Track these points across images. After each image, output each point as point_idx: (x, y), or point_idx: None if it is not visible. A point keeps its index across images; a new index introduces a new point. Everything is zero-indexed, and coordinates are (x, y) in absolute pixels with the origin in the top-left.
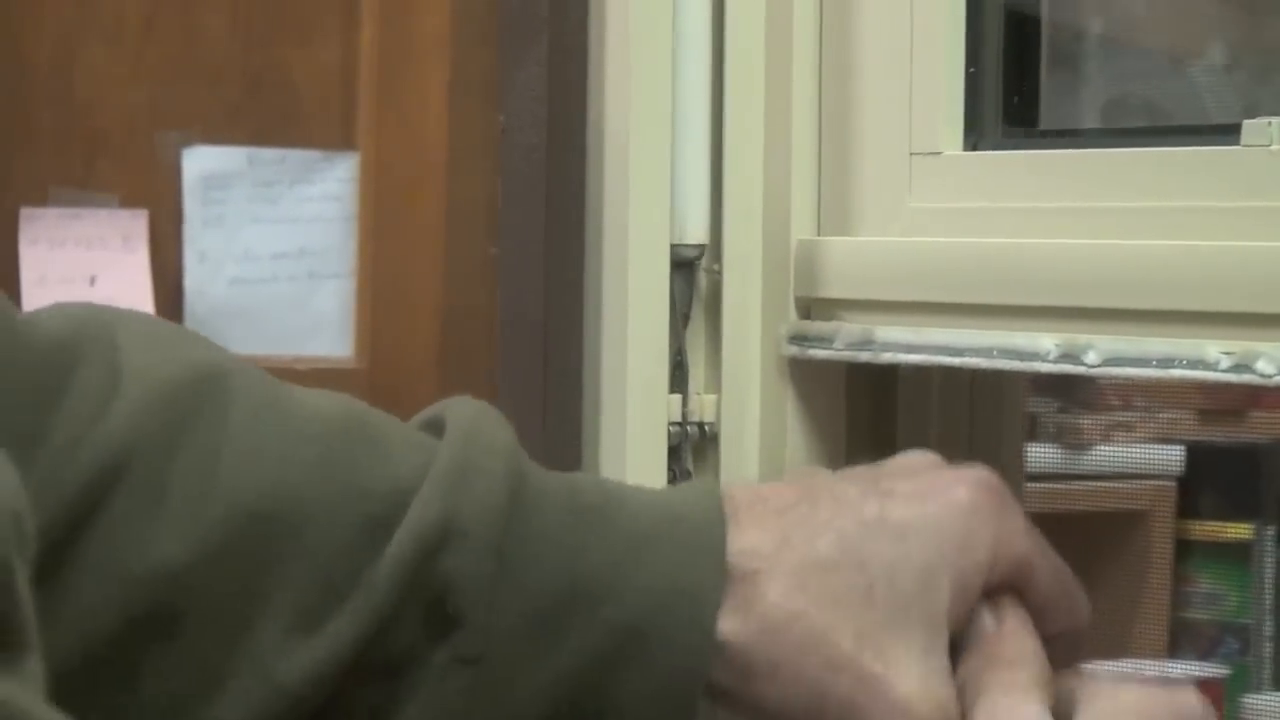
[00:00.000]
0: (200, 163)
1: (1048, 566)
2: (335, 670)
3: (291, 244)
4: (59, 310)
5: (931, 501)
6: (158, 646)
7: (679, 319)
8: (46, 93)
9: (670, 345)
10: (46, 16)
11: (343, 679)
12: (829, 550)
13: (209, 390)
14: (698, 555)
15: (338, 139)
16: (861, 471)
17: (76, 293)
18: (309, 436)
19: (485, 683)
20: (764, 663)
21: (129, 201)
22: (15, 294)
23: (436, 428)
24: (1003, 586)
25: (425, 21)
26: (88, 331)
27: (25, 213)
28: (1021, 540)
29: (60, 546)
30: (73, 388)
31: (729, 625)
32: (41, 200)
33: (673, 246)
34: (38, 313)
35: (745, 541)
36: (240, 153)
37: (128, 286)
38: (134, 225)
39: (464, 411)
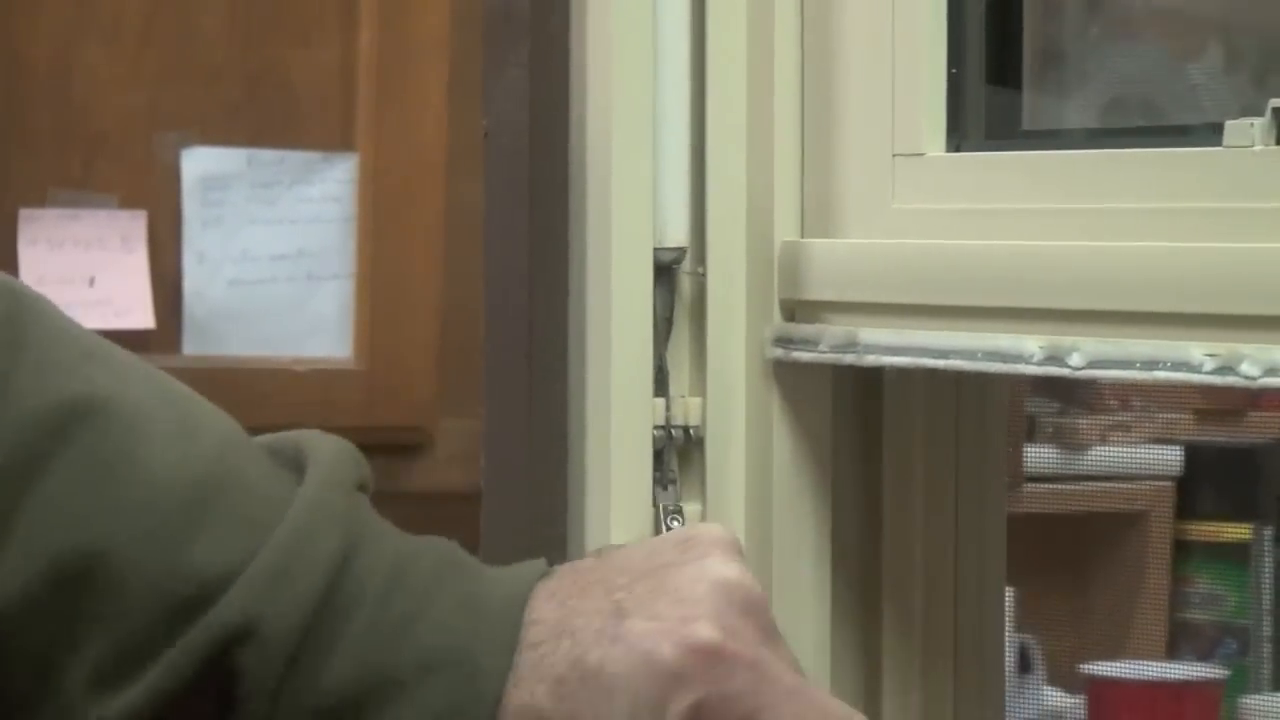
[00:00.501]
0: (199, 164)
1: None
2: None
3: (290, 245)
4: None
5: (640, 658)
6: None
7: (662, 322)
8: (45, 94)
9: (654, 349)
10: (45, 18)
11: None
12: (545, 701)
13: (72, 432)
14: (470, 694)
15: (336, 140)
16: (643, 584)
17: (76, 293)
18: (149, 501)
19: None
20: None
21: (128, 202)
22: None
23: (296, 464)
24: None
25: (423, 23)
26: None
27: (24, 214)
28: (733, 706)
29: None
30: None
31: None
32: (40, 201)
33: (655, 250)
34: None
35: (508, 700)
36: (239, 154)
37: (126, 287)
38: (133, 226)
39: (318, 472)
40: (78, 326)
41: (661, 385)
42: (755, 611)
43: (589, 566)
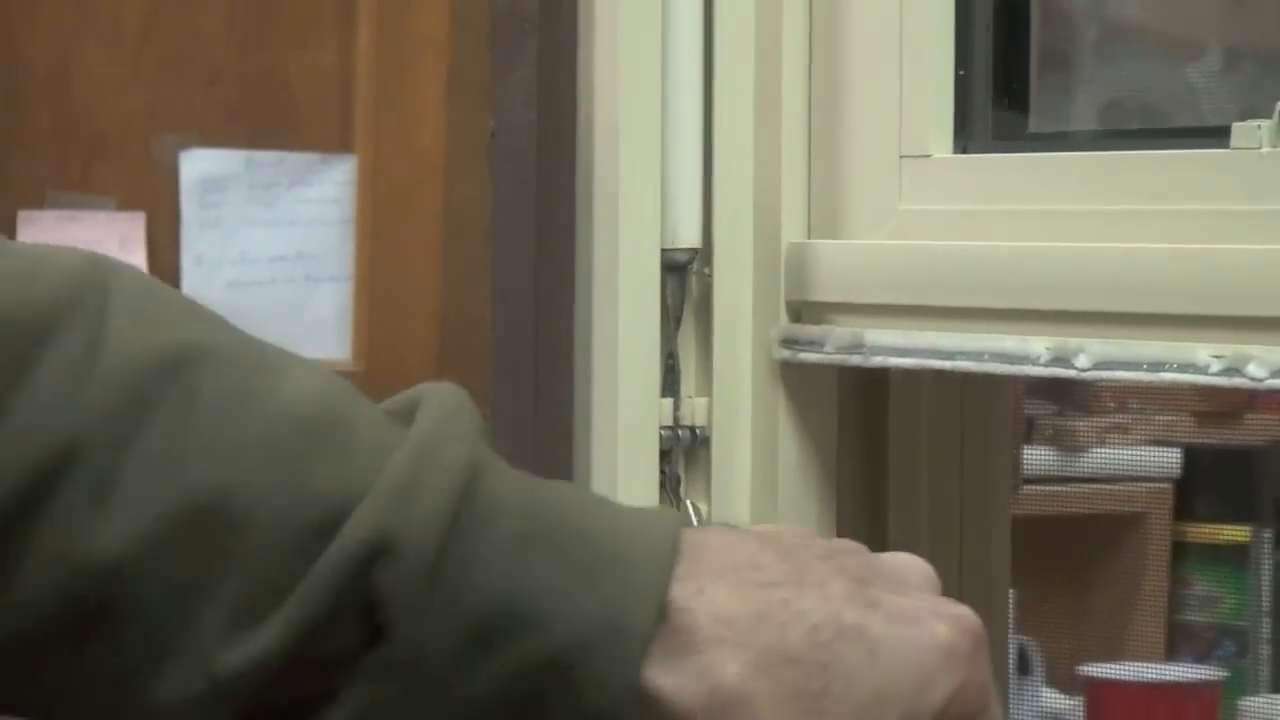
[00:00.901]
0: (197, 165)
1: None
2: (270, 667)
3: (289, 247)
4: (56, 262)
5: (911, 629)
6: (97, 633)
7: (670, 323)
8: (44, 95)
9: (661, 349)
10: (44, 19)
11: (278, 675)
12: (799, 644)
13: (178, 378)
14: (633, 596)
15: (335, 142)
16: (853, 564)
17: None
18: (266, 435)
19: (414, 692)
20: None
21: (126, 204)
22: None
23: (409, 417)
24: None
25: (422, 24)
26: (79, 294)
27: (23, 215)
28: (981, 696)
29: (4, 529)
30: (45, 360)
31: (665, 679)
32: (39, 203)
33: (663, 250)
34: (35, 261)
35: (716, 604)
36: (237, 155)
37: None
38: (131, 228)
39: (433, 411)
40: (168, 287)
41: (669, 385)
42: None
43: (752, 531)
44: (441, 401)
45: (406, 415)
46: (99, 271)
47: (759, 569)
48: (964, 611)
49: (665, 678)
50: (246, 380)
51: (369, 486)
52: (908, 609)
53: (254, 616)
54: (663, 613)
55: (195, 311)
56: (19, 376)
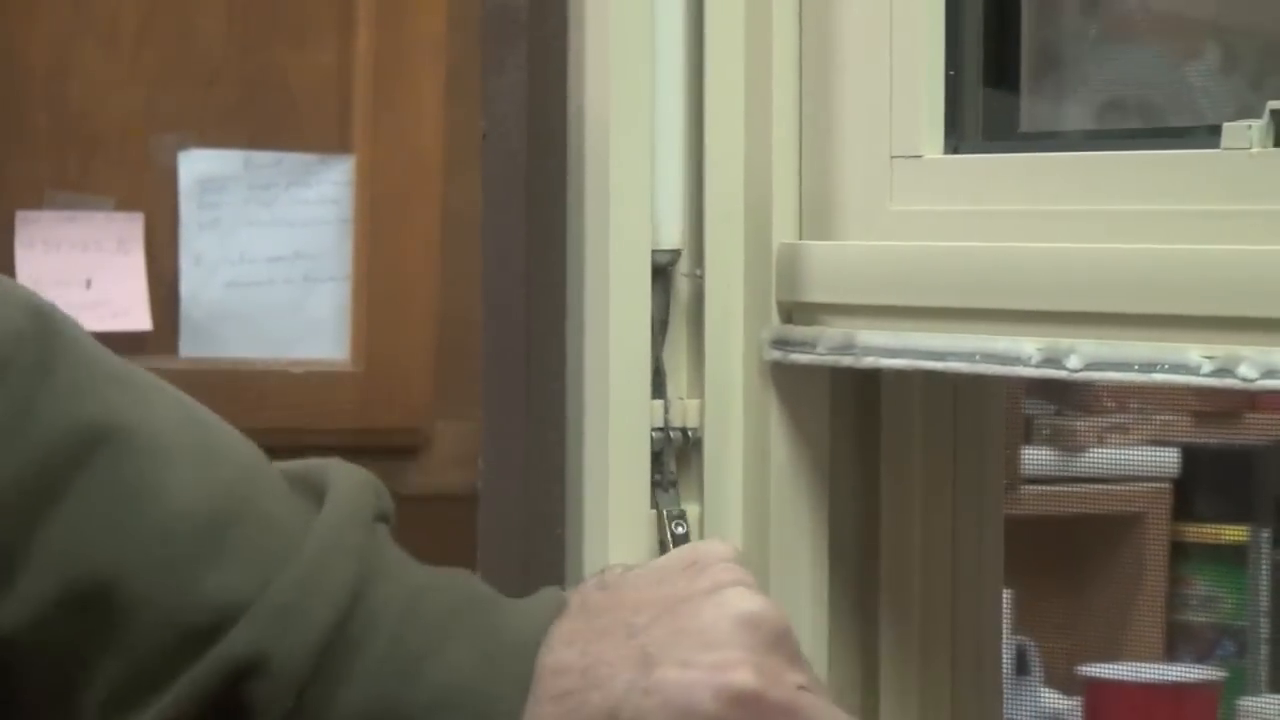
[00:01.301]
0: (196, 166)
1: None
2: None
3: (287, 247)
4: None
5: (675, 707)
6: None
7: (658, 324)
8: (42, 96)
9: (652, 350)
10: (42, 20)
11: None
12: None
13: (91, 462)
14: None
15: (333, 142)
16: (658, 635)
17: (73, 295)
18: (161, 532)
19: None
20: None
21: (125, 204)
22: None
23: (312, 494)
24: None
25: (420, 25)
26: (14, 353)
27: (21, 216)
28: None
29: None
30: None
31: None
32: (37, 203)
33: (654, 251)
34: None
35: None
36: (236, 156)
37: (123, 289)
38: (130, 228)
39: (330, 512)
40: (106, 351)
41: (659, 387)
42: (783, 644)
43: (601, 602)
44: (343, 495)
45: (311, 491)
46: (40, 326)
47: (564, 674)
48: (739, 679)
49: None
50: (158, 467)
51: (253, 599)
52: (680, 685)
53: (129, 704)
54: None
55: (128, 381)
56: None
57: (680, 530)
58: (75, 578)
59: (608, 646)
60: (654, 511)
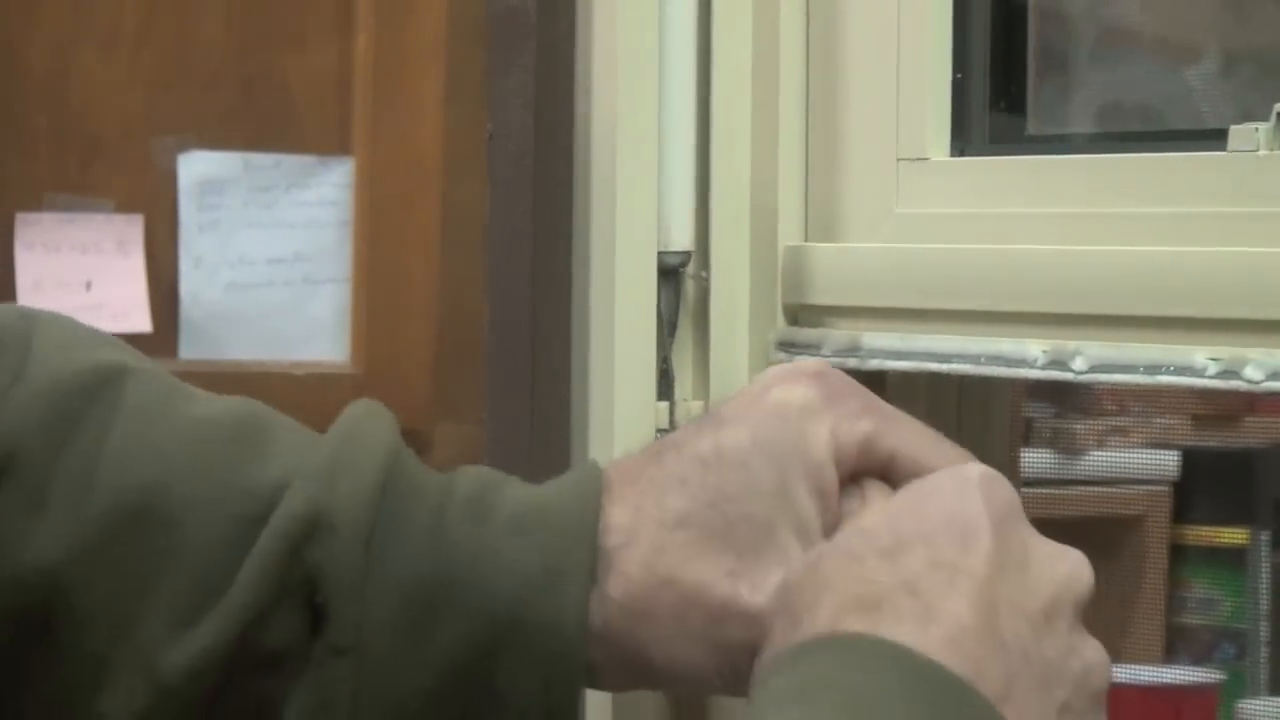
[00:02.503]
0: (196, 167)
1: (899, 433)
2: (216, 664)
3: (287, 249)
4: None
5: (758, 418)
6: (41, 645)
7: (666, 326)
8: (42, 98)
9: (657, 352)
10: (42, 22)
11: (226, 672)
12: (678, 504)
13: (102, 391)
14: (567, 540)
15: (333, 144)
16: (715, 408)
17: (73, 297)
18: (192, 437)
19: (364, 673)
20: (645, 637)
21: (124, 206)
22: (11, 298)
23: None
24: (869, 468)
25: (420, 27)
26: (2, 337)
27: (21, 218)
28: (856, 424)
29: None
30: None
31: (603, 607)
32: (37, 205)
33: (660, 253)
34: None
35: (610, 519)
36: (236, 158)
37: (123, 291)
38: (129, 230)
39: (352, 412)
40: (88, 325)
41: (665, 389)
42: (829, 368)
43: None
44: (358, 407)
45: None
46: (23, 318)
47: (629, 469)
48: (801, 365)
49: (595, 607)
50: (167, 393)
51: (297, 474)
52: (746, 403)
53: (194, 613)
54: (598, 546)
55: (113, 341)
56: None
57: None
58: (113, 492)
59: (671, 437)
60: None
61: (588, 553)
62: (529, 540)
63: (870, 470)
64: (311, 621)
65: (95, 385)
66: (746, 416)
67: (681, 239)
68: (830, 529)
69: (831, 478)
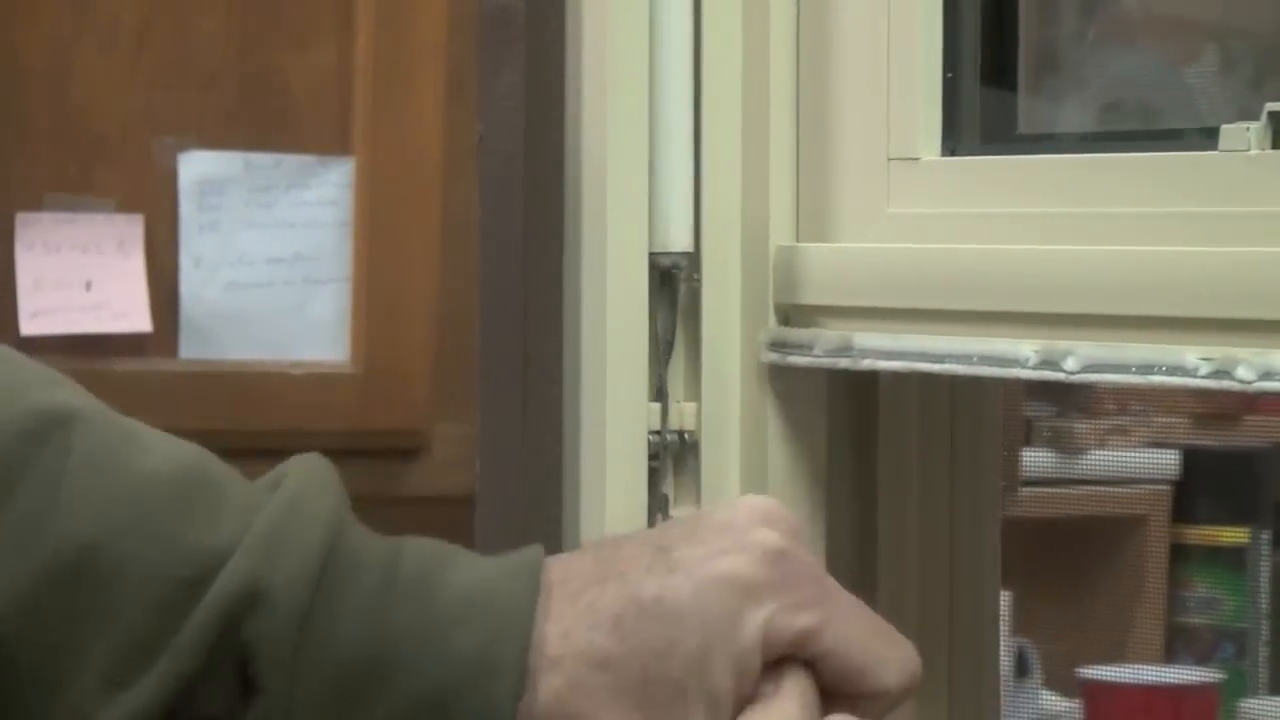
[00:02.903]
0: (196, 167)
1: (841, 630)
2: None
3: (287, 249)
4: None
5: (704, 580)
6: None
7: (668, 326)
8: (42, 98)
9: (649, 354)
10: (42, 22)
11: None
12: (605, 642)
13: (49, 437)
14: (500, 634)
15: (333, 144)
16: (675, 533)
17: (72, 297)
18: (138, 493)
19: None
20: None
21: (125, 206)
22: (11, 298)
23: (275, 486)
24: (802, 656)
25: (420, 27)
26: None
27: (21, 217)
28: (797, 617)
29: None
30: None
31: (526, 709)
32: (37, 205)
33: (652, 254)
34: None
35: (542, 631)
36: (236, 157)
37: (123, 291)
38: (130, 230)
39: (298, 475)
40: (31, 360)
41: (659, 390)
42: (798, 535)
43: (604, 540)
44: (305, 467)
45: (273, 485)
46: None
47: (574, 579)
48: (763, 539)
49: (521, 706)
50: (115, 442)
51: (238, 541)
52: (703, 558)
53: (130, 673)
54: (530, 648)
55: (62, 381)
56: None
57: None
58: (54, 549)
59: (621, 551)
60: (650, 514)
61: (518, 653)
62: (463, 630)
63: (803, 657)
64: (243, 691)
65: (42, 431)
66: (696, 572)
67: (677, 240)
68: (739, 709)
69: (754, 664)
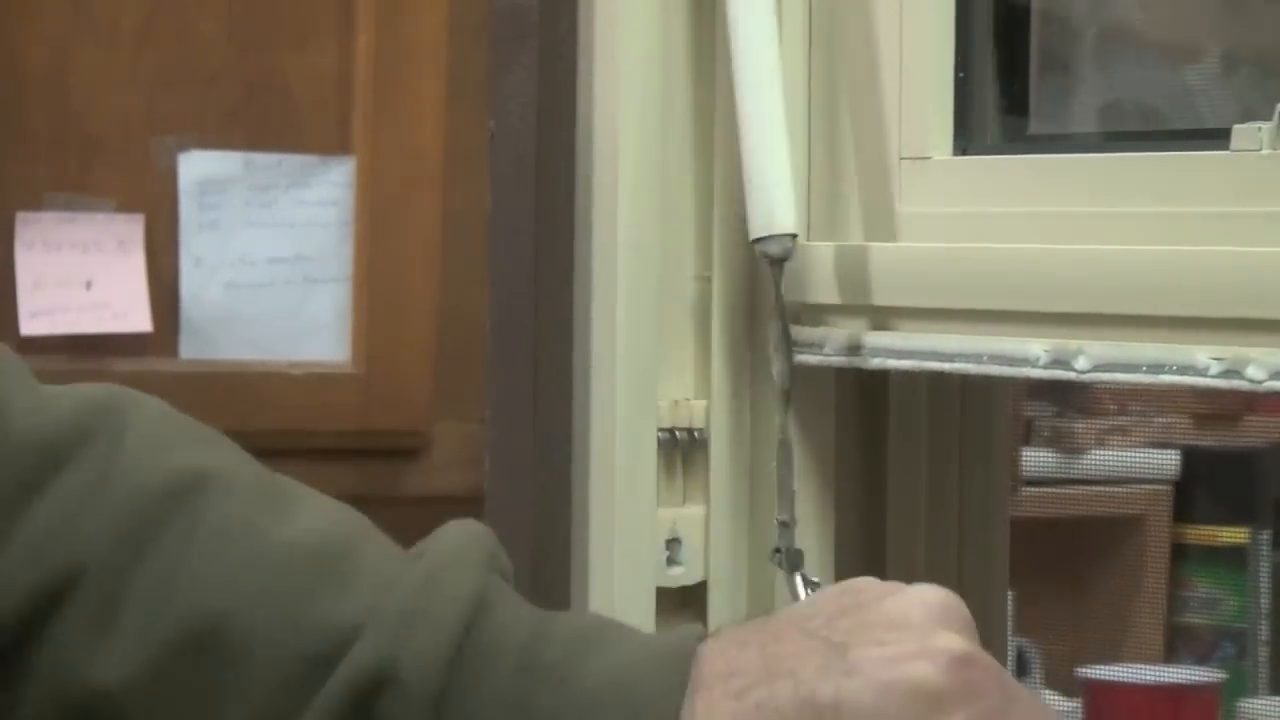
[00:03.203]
0: (196, 167)
1: None
2: None
3: (287, 248)
4: (77, 395)
5: (889, 685)
6: None
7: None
8: (42, 97)
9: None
10: (42, 21)
11: None
12: None
13: (184, 504)
14: None
15: (333, 143)
16: (845, 626)
17: (72, 297)
18: (270, 564)
19: None
20: None
21: (125, 206)
22: (11, 298)
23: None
24: None
25: (421, 27)
26: (94, 424)
27: (21, 217)
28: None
29: (6, 652)
30: (57, 485)
31: None
32: (37, 205)
33: (770, 238)
34: (58, 393)
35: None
36: (236, 157)
37: (124, 290)
38: (130, 229)
39: (444, 542)
40: (181, 415)
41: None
42: (973, 630)
43: (761, 620)
44: (456, 533)
45: (418, 555)
46: (117, 399)
47: (738, 675)
48: (949, 644)
49: None
50: (253, 508)
51: (372, 618)
52: (885, 661)
53: None
54: None
55: (210, 438)
56: (29, 500)
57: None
58: (183, 617)
59: (785, 644)
60: (660, 512)
61: None
62: (605, 717)
63: None
64: None
65: (179, 496)
66: (878, 676)
67: (785, 222)
68: None
69: None
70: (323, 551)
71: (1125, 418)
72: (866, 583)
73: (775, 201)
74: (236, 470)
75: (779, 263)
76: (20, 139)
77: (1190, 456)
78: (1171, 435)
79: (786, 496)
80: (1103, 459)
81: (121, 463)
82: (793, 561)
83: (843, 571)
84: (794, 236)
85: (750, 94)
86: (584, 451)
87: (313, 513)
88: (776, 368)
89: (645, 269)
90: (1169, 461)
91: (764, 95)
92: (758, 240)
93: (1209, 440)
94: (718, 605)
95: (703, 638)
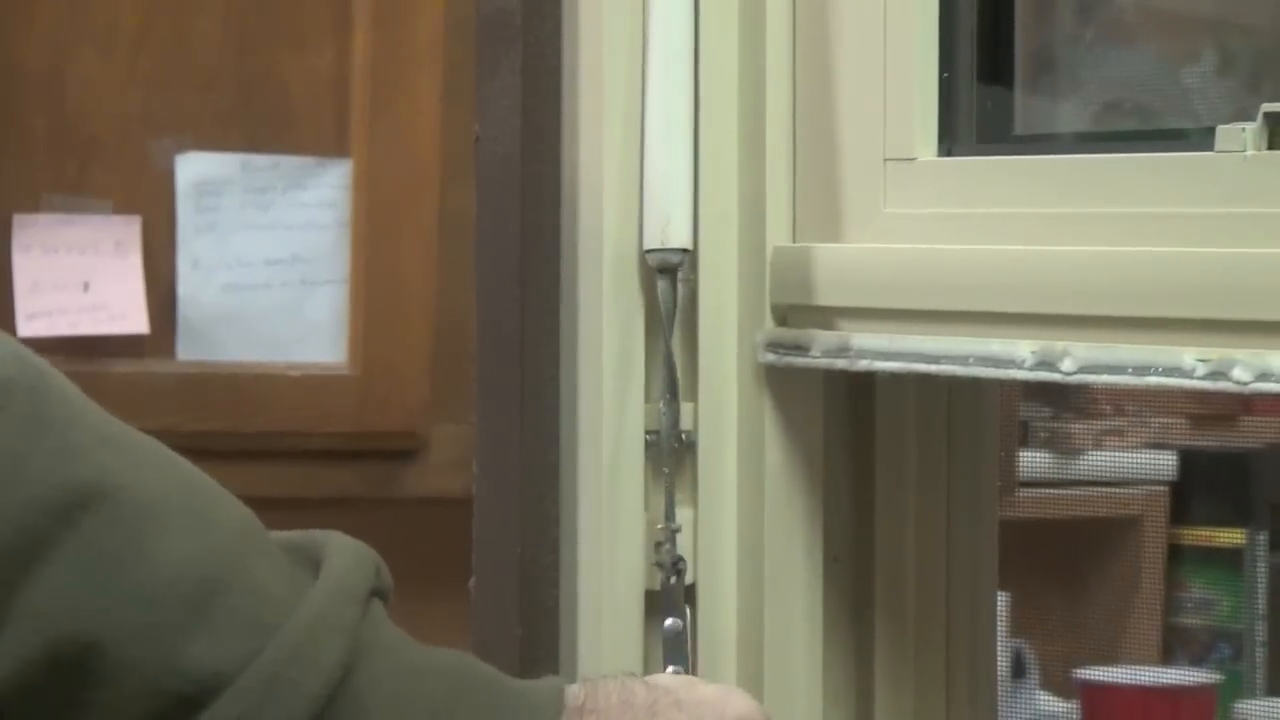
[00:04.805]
0: (193, 169)
1: None
2: None
3: (284, 250)
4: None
5: None
6: None
7: (657, 327)
8: (39, 99)
9: (646, 353)
10: (39, 23)
11: None
12: None
13: (74, 523)
14: None
15: (331, 145)
16: (666, 687)
17: (69, 299)
18: (147, 598)
19: None
20: None
21: (122, 207)
22: (9, 300)
23: (314, 563)
24: None
25: (418, 29)
26: (6, 404)
27: (18, 219)
28: None
29: None
30: None
31: None
32: (34, 207)
33: (649, 253)
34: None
35: None
36: (233, 159)
37: (121, 292)
38: (127, 231)
39: (325, 582)
40: (95, 407)
41: (654, 390)
42: None
43: (613, 691)
44: (339, 568)
45: (307, 561)
46: (31, 378)
47: None
48: (735, 699)
49: None
50: (147, 531)
51: (239, 671)
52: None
53: None
54: None
55: (121, 442)
56: None
57: (674, 527)
58: (57, 638)
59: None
60: (648, 514)
61: None
62: None
63: None
64: None
65: (75, 511)
66: None
67: (674, 239)
68: None
69: None
70: (205, 584)
71: (1122, 419)
72: (689, 683)
73: (671, 215)
74: (137, 484)
75: (670, 273)
76: (17, 140)
77: (1187, 458)
78: (1168, 437)
79: (670, 503)
80: (1099, 460)
81: (30, 466)
82: (679, 569)
83: (830, 572)
84: (686, 251)
85: (657, 108)
86: (572, 454)
87: (205, 534)
88: (664, 376)
89: (631, 271)
90: (1166, 463)
91: (671, 109)
92: (650, 251)
93: (1206, 442)
94: (706, 608)
95: (559, 698)
